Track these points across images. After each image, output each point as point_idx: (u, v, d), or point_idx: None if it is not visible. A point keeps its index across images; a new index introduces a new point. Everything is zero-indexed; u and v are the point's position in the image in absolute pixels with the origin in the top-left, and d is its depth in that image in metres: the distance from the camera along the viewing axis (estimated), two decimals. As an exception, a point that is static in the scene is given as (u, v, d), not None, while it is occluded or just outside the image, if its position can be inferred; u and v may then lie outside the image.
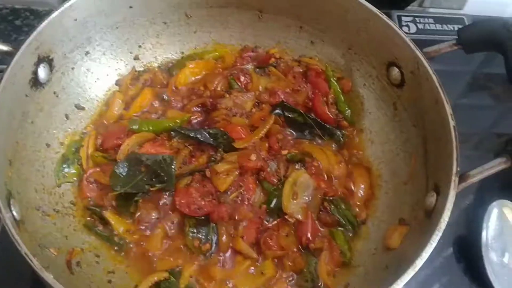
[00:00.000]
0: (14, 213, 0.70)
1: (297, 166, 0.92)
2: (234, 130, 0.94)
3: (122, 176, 0.87)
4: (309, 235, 0.86)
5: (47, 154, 0.87)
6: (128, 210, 0.87)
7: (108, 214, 0.86)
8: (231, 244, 0.86)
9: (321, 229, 0.88)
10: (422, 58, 0.86)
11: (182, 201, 0.86)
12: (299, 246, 0.87)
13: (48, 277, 0.60)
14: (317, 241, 0.87)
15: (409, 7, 1.45)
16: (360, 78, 1.01)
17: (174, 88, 1.02)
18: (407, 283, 0.93)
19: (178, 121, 0.95)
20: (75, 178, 0.89)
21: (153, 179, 0.87)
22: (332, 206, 0.89)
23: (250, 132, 0.95)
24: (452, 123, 0.79)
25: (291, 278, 0.85)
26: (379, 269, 0.81)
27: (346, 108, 1.01)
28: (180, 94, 1.01)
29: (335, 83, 1.01)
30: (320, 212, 0.89)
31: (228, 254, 0.86)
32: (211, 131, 0.93)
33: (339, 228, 0.89)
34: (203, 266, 0.84)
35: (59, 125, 0.91)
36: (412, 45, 0.87)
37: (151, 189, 0.87)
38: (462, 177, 0.75)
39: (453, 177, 0.73)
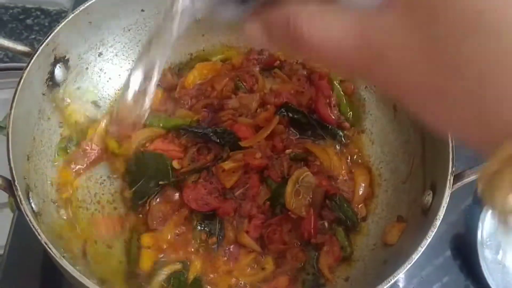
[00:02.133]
0: (33, 205, 0.74)
1: (300, 165, 0.96)
2: (240, 129, 0.99)
3: (134, 172, 0.92)
4: (311, 230, 0.90)
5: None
6: (139, 205, 0.91)
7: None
8: (236, 238, 0.90)
9: (323, 225, 0.92)
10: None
11: (190, 196, 0.91)
12: (301, 241, 0.90)
13: (66, 265, 0.64)
14: (319, 237, 0.90)
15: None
16: (361, 80, 1.05)
17: (183, 88, 1.05)
18: (408, 279, 0.98)
19: (188, 120, 0.99)
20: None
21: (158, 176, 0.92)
22: (334, 203, 0.92)
23: (255, 132, 0.99)
24: (448, 124, 0.82)
25: (293, 272, 0.88)
26: (378, 263, 0.84)
27: (348, 110, 1.04)
28: (188, 94, 1.04)
29: (338, 86, 1.04)
30: (322, 210, 0.93)
31: (233, 247, 0.89)
32: (218, 130, 0.97)
33: (340, 225, 0.92)
34: (209, 258, 0.88)
35: (73, 122, 0.95)
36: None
37: (160, 182, 0.91)
38: (457, 177, 0.78)
39: (449, 177, 0.77)
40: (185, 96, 1.04)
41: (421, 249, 0.71)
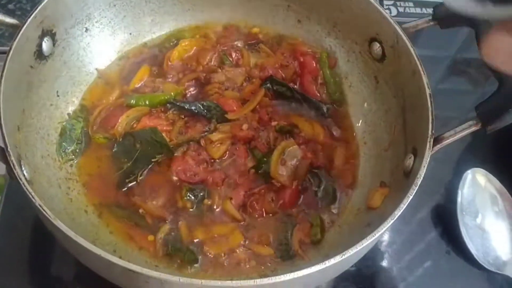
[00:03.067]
0: (25, 172, 0.75)
1: (286, 137, 0.98)
2: (226, 103, 1.01)
3: (121, 155, 0.94)
4: (286, 200, 0.93)
5: (51, 123, 0.93)
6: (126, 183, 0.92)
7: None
8: (220, 205, 0.92)
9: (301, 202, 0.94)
10: (401, 33, 0.92)
11: (179, 168, 0.93)
12: (281, 211, 0.92)
13: (61, 225, 0.65)
14: (294, 211, 0.93)
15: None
16: (343, 54, 1.07)
17: (169, 63, 1.07)
18: (390, 245, 1.01)
19: (172, 94, 1.01)
20: (77, 151, 0.94)
21: (151, 151, 0.94)
22: (314, 181, 0.95)
23: (242, 105, 1.01)
24: (428, 91, 0.85)
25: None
26: (362, 227, 0.87)
27: (335, 91, 1.07)
28: (174, 69, 1.06)
29: (328, 70, 1.07)
30: (305, 186, 0.95)
31: (217, 214, 0.92)
32: (204, 104, 0.99)
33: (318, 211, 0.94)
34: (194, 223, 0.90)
35: (61, 96, 0.96)
36: (392, 21, 0.94)
37: (153, 160, 0.93)
38: (437, 140, 0.81)
39: (429, 139, 0.80)
40: (172, 70, 1.06)
41: (403, 206, 0.74)
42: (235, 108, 1.01)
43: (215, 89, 1.03)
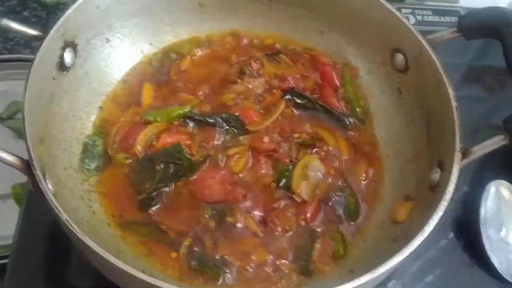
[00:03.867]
0: (50, 186, 0.75)
1: (308, 151, 0.97)
2: (247, 113, 1.00)
3: (143, 178, 0.91)
4: (308, 215, 0.91)
5: (73, 134, 0.92)
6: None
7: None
8: (242, 222, 0.90)
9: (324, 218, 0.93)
10: (426, 44, 0.91)
11: (200, 188, 0.91)
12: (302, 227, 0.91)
13: (88, 241, 0.65)
14: (315, 225, 0.91)
15: (407, 0, 1.51)
16: (365, 64, 1.07)
17: (182, 71, 1.06)
18: (411, 262, 1.00)
19: (188, 107, 0.99)
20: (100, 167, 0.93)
21: (173, 171, 0.92)
22: (337, 197, 0.93)
23: (262, 116, 1.00)
24: (454, 104, 0.84)
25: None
26: (388, 241, 0.86)
27: (358, 108, 1.05)
28: (185, 79, 1.05)
29: (350, 88, 1.05)
30: (327, 202, 0.93)
31: (237, 229, 0.90)
32: (223, 116, 0.98)
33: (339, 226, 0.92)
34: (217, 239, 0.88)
35: (82, 107, 0.95)
36: (416, 32, 0.93)
37: (176, 178, 0.91)
38: (465, 154, 0.80)
39: (456, 153, 0.79)
40: (183, 80, 1.05)
41: (434, 223, 0.73)
42: (255, 119, 1.00)
43: (233, 100, 1.02)
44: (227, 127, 0.98)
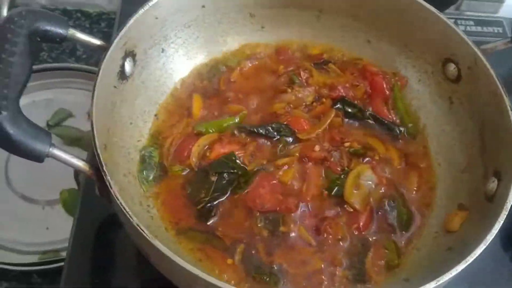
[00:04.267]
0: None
1: (359, 160, 0.98)
2: (297, 122, 1.01)
3: (199, 189, 0.93)
4: (360, 224, 0.92)
5: (131, 141, 0.95)
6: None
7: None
8: (295, 231, 0.91)
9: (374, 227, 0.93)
10: (480, 54, 0.92)
11: (252, 198, 0.92)
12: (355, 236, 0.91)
13: (158, 244, 0.66)
14: (367, 234, 0.92)
15: (447, 10, 1.50)
16: (415, 74, 1.07)
17: (231, 82, 1.08)
18: (457, 274, 0.99)
19: (238, 117, 1.01)
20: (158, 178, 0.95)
21: (227, 180, 0.93)
22: (389, 207, 0.94)
23: (312, 125, 1.02)
24: (511, 114, 0.84)
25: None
26: (442, 250, 0.86)
27: (409, 122, 1.05)
28: (234, 89, 1.07)
29: (400, 103, 1.06)
30: (379, 212, 0.94)
31: (291, 238, 0.91)
32: (274, 126, 1.00)
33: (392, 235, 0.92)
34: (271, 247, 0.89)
35: (139, 115, 0.98)
36: (470, 42, 0.93)
37: (231, 189, 0.93)
38: (524, 163, 0.81)
39: (516, 163, 0.79)
40: (233, 91, 1.07)
41: (495, 231, 0.73)
42: (305, 127, 1.01)
43: (283, 109, 1.03)
44: (278, 136, 0.99)
